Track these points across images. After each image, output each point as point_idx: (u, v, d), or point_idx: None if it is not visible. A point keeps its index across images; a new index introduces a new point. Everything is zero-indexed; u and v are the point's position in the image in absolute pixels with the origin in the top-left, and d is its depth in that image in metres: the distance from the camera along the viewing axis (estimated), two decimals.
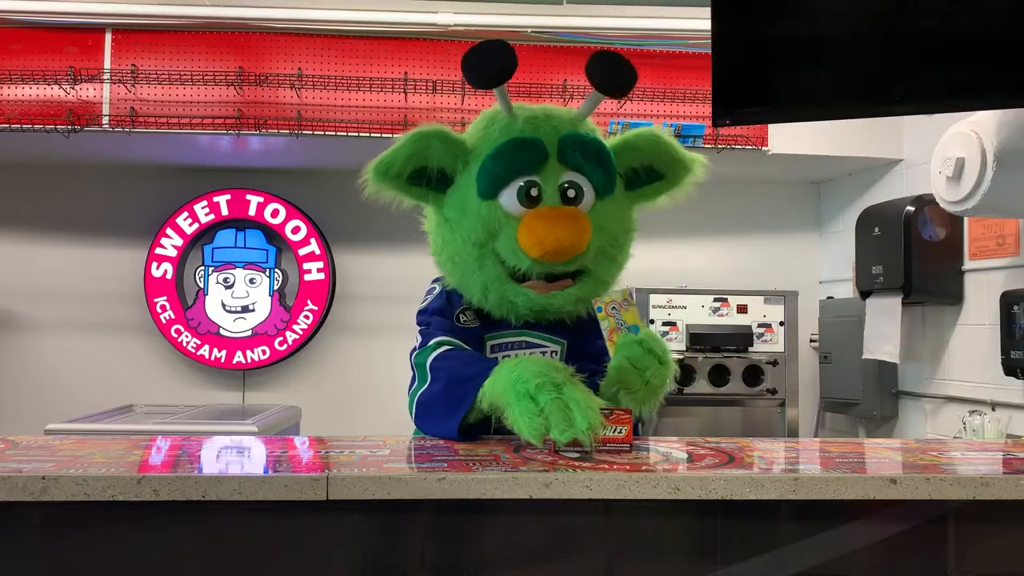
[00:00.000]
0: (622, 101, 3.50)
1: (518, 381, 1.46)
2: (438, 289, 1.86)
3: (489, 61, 1.62)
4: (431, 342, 1.74)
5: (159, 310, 4.20)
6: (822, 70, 2.19)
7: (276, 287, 4.31)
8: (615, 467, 1.34)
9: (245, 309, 4.28)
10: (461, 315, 1.79)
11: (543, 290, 1.70)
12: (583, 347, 1.78)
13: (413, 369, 1.75)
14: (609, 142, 1.78)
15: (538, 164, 1.68)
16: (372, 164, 1.69)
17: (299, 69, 3.56)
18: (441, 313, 1.80)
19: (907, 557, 1.41)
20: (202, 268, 4.29)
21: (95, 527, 1.29)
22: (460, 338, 1.75)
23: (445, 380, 1.64)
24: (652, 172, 1.80)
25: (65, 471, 1.24)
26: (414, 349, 1.78)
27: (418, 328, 1.83)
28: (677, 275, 4.04)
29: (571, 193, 1.69)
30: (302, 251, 4.26)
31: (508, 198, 1.68)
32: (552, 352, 1.79)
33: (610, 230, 1.73)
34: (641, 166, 1.79)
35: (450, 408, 1.60)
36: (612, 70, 1.67)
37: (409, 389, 1.75)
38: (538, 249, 1.63)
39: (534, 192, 1.67)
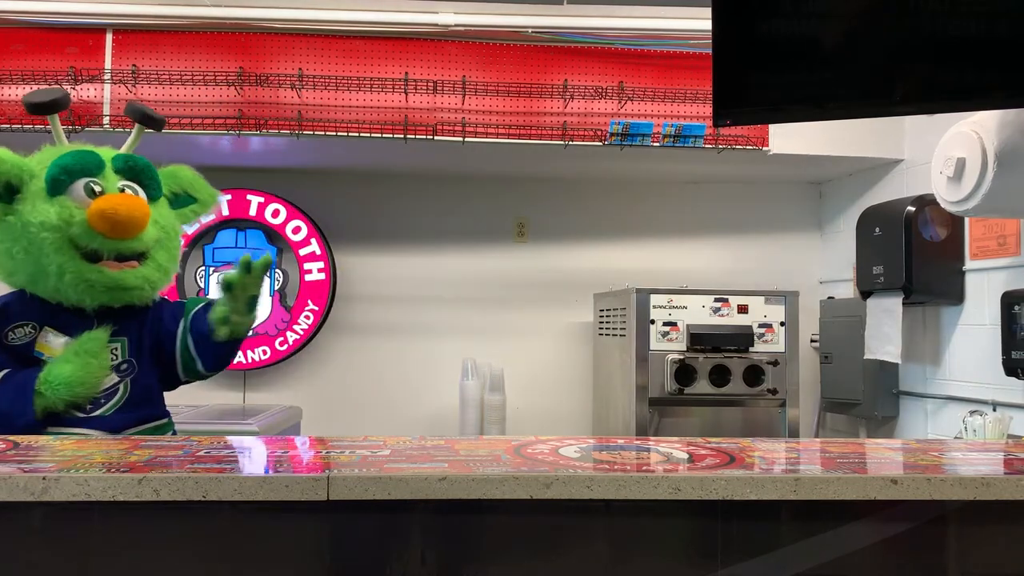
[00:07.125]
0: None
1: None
2: None
3: (48, 98, 2.13)
4: None
5: None
6: (822, 70, 2.19)
7: (277, 287, 4.31)
8: (616, 468, 1.34)
9: None
10: (11, 332, 2.03)
11: (115, 268, 2.04)
12: (146, 340, 2.13)
13: None
14: (160, 170, 2.25)
15: (97, 170, 2.08)
16: None
17: (300, 69, 3.56)
18: None
19: (907, 557, 1.41)
20: (203, 268, 4.29)
21: (95, 527, 1.29)
22: (6, 356, 2.00)
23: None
24: (188, 197, 2.30)
25: (65, 471, 1.24)
26: None
27: None
28: (677, 275, 4.03)
29: (127, 192, 2.10)
30: (303, 251, 4.25)
31: (76, 193, 2.03)
32: (114, 349, 2.07)
33: (163, 224, 2.15)
34: (181, 191, 2.29)
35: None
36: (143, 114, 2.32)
37: None
38: (107, 222, 1.98)
39: (97, 189, 2.05)
